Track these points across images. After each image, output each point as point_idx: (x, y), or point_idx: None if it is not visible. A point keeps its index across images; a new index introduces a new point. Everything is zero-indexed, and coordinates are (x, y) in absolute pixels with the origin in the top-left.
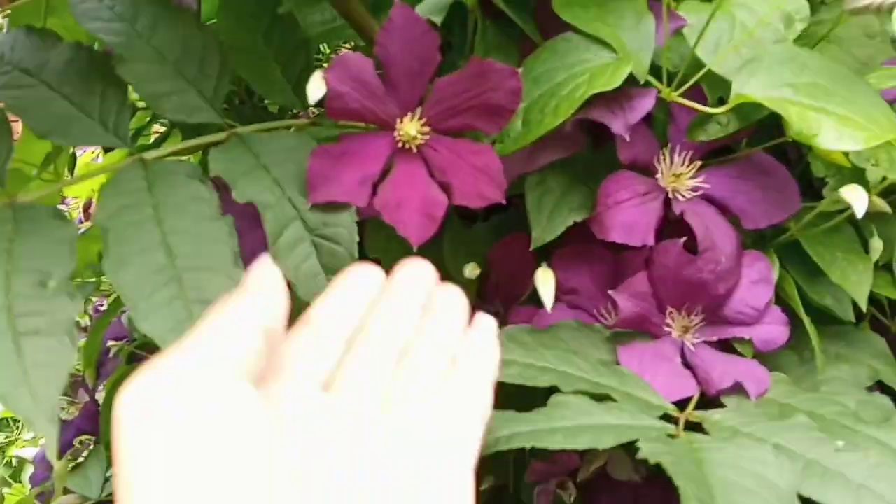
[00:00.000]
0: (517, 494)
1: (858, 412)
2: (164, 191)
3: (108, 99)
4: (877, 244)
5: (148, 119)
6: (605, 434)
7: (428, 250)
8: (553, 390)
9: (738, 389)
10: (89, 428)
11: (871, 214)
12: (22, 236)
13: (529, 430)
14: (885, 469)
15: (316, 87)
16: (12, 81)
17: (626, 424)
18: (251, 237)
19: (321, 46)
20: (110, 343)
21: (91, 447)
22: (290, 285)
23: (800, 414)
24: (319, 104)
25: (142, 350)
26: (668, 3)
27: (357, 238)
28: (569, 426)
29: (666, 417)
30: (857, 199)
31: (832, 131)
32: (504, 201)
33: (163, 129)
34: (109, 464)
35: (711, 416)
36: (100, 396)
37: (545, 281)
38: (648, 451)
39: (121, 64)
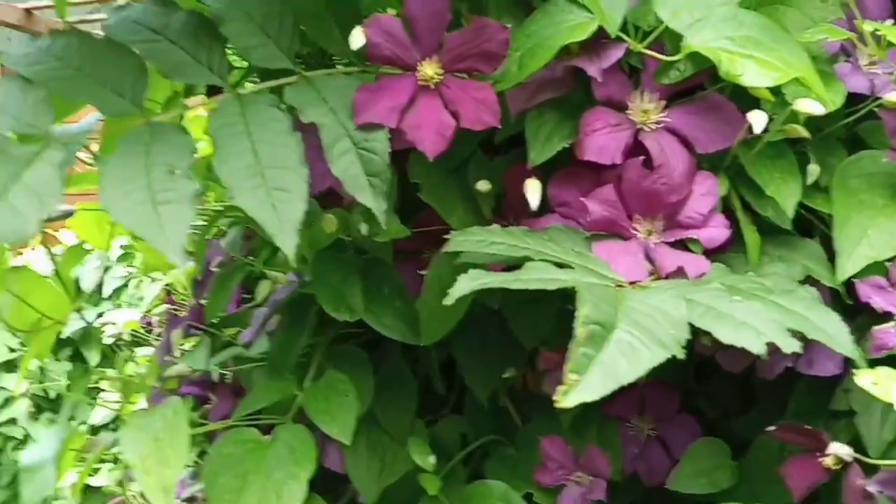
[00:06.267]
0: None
1: (772, 289)
2: (252, 114)
3: (213, 50)
4: (813, 168)
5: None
6: (553, 284)
7: (457, 175)
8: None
9: (684, 275)
10: (197, 322)
11: (815, 145)
12: (156, 143)
13: (500, 279)
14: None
15: (357, 38)
16: (145, 38)
17: (574, 279)
18: (313, 148)
19: None
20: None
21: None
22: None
23: (715, 282)
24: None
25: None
26: None
27: (389, 149)
28: (530, 279)
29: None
30: (756, 120)
31: (753, 72)
32: (499, 125)
33: None
34: (213, 348)
35: (650, 284)
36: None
37: (533, 188)
38: (574, 282)
39: (221, 24)
